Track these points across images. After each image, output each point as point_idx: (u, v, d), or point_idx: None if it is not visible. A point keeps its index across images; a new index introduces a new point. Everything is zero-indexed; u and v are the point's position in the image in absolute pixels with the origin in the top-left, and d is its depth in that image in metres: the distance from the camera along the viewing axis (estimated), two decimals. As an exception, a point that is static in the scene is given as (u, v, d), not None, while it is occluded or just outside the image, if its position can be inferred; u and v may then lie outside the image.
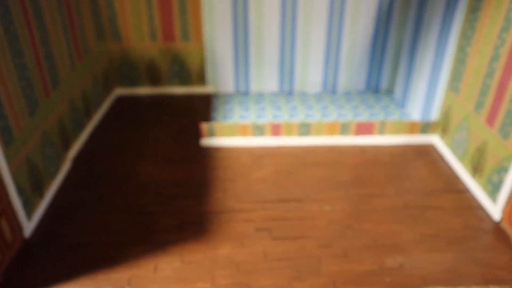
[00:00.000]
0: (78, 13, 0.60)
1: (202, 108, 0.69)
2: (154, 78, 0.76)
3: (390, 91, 0.78)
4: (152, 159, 0.54)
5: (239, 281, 0.35)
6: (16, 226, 0.42)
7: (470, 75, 0.55)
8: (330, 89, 0.78)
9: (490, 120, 0.57)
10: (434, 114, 0.64)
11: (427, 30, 0.65)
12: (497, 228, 0.49)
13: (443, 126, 0.60)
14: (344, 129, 0.60)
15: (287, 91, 0.78)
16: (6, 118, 0.40)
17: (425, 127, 0.63)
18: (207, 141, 0.58)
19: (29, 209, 0.44)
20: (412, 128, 0.62)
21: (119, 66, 0.74)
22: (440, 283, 0.40)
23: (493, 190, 0.57)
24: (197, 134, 0.59)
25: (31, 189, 0.45)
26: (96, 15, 0.68)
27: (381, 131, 0.62)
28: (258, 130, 0.58)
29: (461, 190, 0.53)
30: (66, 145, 0.53)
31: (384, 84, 0.79)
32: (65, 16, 0.55)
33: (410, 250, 0.42)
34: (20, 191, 0.43)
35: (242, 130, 0.58)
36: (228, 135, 0.59)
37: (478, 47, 0.52)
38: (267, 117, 0.67)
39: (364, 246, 0.41)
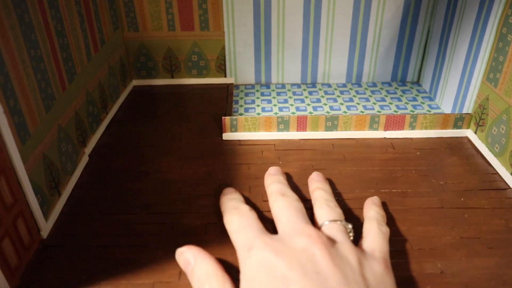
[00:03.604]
0: (94, 1, 0.57)
1: (222, 100, 0.65)
2: (172, 68, 0.73)
3: (417, 83, 0.75)
4: (171, 154, 0.51)
5: None
6: (33, 227, 0.40)
7: (511, 65, 0.51)
8: (354, 81, 0.75)
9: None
10: (467, 107, 0.60)
11: (461, 17, 0.61)
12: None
13: (478, 120, 0.56)
14: (373, 122, 0.57)
15: (309, 82, 0.74)
16: (21, 113, 0.37)
17: (458, 120, 0.59)
18: (229, 135, 0.55)
19: (46, 209, 0.42)
20: (445, 121, 0.59)
21: (136, 56, 0.71)
22: (485, 291, 0.38)
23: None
24: (218, 127, 0.56)
25: (48, 188, 0.43)
26: (112, 4, 0.65)
27: (412, 125, 0.58)
28: (283, 123, 0.55)
29: (500, 189, 0.49)
30: (83, 140, 0.50)
31: (411, 75, 0.75)
32: (81, 5, 0.52)
33: (450, 255, 0.39)
34: (37, 190, 0.41)
35: (266, 124, 0.55)
36: (251, 129, 0.56)
37: (521, 35, 0.49)
38: (290, 110, 0.64)
39: (401, 251, 0.38)
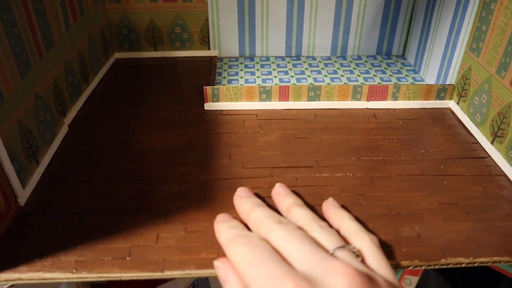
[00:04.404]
0: (72, -30, 0.55)
1: (205, 72, 0.65)
2: (155, 41, 0.72)
3: (402, 56, 0.75)
4: (153, 124, 0.51)
5: (247, 251, 0.33)
6: (10, 194, 0.39)
7: (494, 34, 0.51)
8: (339, 54, 0.75)
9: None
10: (450, 79, 0.60)
11: (444, -12, 0.61)
12: (517, 197, 0.46)
13: (460, 90, 0.56)
14: (355, 92, 0.57)
15: (294, 55, 0.74)
16: (-6, 78, 0.36)
17: (441, 91, 0.59)
18: (211, 106, 0.54)
19: (24, 176, 0.41)
20: (428, 92, 0.59)
21: (117, 28, 0.70)
22: (460, 254, 0.38)
23: None
24: (201, 99, 0.56)
25: (25, 155, 0.42)
26: (92, -26, 0.63)
27: (395, 96, 0.58)
28: (265, 93, 0.54)
29: (480, 157, 0.50)
30: (63, 109, 0.50)
31: (396, 48, 0.75)
32: (58, -28, 0.51)
33: (427, 219, 0.39)
34: (13, 157, 0.40)
35: (248, 94, 0.54)
36: (233, 99, 0.55)
37: (504, 2, 0.48)
38: (274, 81, 0.64)
39: (379, 215, 0.38)
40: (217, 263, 0.30)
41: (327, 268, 0.25)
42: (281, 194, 0.35)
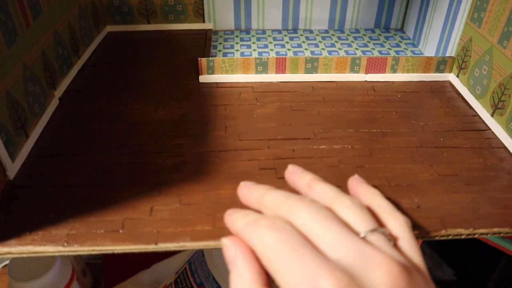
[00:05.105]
0: None
1: (200, 46, 0.63)
2: (148, 13, 0.70)
3: (401, 30, 0.73)
4: (146, 97, 0.49)
5: (243, 223, 0.33)
6: (-2, 167, 0.38)
7: (497, 2, 0.49)
8: (337, 27, 0.73)
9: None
10: (450, 51, 0.59)
11: (446, -43, 0.59)
12: (518, 170, 0.45)
13: (460, 63, 0.55)
14: (353, 65, 0.56)
15: (291, 28, 0.72)
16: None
17: (441, 64, 0.57)
18: (206, 78, 0.53)
19: (13, 149, 0.40)
20: (427, 64, 0.57)
21: (109, 0, 0.68)
22: (460, 225, 0.37)
23: None
24: (195, 72, 0.54)
25: (14, 128, 0.41)
26: None
27: (394, 68, 0.57)
28: (261, 65, 0.53)
29: (480, 130, 0.49)
30: (52, 82, 0.48)
31: (394, 22, 0.74)
32: None
33: (427, 191, 0.38)
34: (1, 129, 0.39)
35: (244, 66, 0.53)
36: (228, 71, 0.54)
37: (507, -32, 0.47)
38: (270, 54, 0.62)
39: (378, 186, 0.37)
40: (226, 241, 0.25)
41: (366, 259, 0.22)
42: (296, 172, 0.31)
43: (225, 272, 0.67)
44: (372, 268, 0.21)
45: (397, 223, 0.27)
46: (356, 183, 0.32)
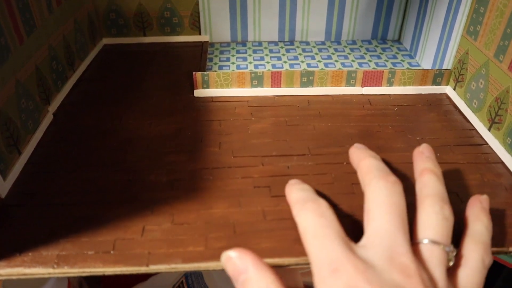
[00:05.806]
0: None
1: (196, 58, 0.63)
2: (144, 26, 0.70)
3: (398, 41, 0.73)
4: (141, 112, 0.49)
5: (236, 243, 0.31)
6: (-11, 185, 0.38)
7: (492, 16, 0.49)
8: (333, 39, 0.73)
9: None
10: (447, 63, 0.59)
11: (441, -30, 0.59)
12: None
13: (457, 75, 0.55)
14: (349, 78, 0.55)
15: (287, 40, 0.72)
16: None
17: (437, 76, 0.57)
18: (201, 92, 0.52)
19: (4, 167, 0.40)
20: (423, 77, 0.57)
21: (105, 13, 0.68)
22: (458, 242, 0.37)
23: None
24: (191, 85, 0.54)
25: (5, 145, 0.40)
26: (77, -44, 0.61)
27: (390, 81, 0.57)
28: (257, 79, 0.53)
29: (477, 144, 0.48)
30: (47, 97, 0.48)
31: (391, 33, 0.73)
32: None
33: (423, 209, 0.38)
34: (-8, 147, 0.39)
35: (239, 80, 0.52)
36: (223, 85, 0.53)
37: (503, -17, 0.46)
38: (266, 67, 0.62)
39: (373, 204, 0.37)
40: (232, 253, 0.27)
41: (395, 260, 0.23)
42: (424, 153, 0.34)
43: (222, 287, 0.67)
44: (396, 271, 0.22)
45: (474, 253, 0.26)
46: (475, 201, 0.33)
